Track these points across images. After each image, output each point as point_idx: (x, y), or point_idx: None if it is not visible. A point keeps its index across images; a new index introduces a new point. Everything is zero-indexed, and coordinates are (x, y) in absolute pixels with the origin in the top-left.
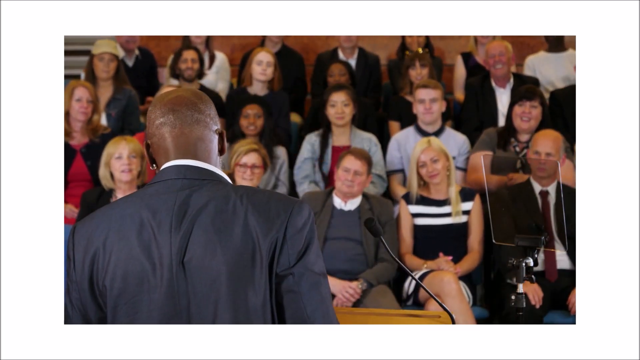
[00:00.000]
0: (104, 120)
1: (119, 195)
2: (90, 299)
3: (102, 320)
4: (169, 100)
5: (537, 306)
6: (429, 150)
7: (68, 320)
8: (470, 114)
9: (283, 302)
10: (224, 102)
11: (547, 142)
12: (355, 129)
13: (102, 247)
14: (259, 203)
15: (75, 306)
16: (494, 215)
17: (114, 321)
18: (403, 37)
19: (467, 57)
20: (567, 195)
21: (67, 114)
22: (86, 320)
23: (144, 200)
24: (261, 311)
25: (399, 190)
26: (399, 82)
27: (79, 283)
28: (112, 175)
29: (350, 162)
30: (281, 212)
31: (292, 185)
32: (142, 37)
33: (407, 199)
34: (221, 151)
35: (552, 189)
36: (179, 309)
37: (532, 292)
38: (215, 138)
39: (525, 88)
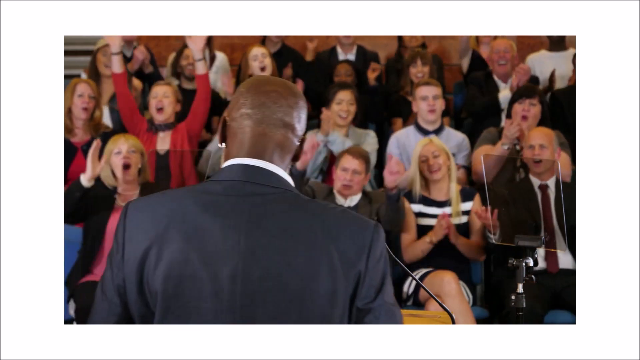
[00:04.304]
0: (107, 116)
1: (123, 193)
2: (137, 294)
3: (144, 317)
4: (263, 92)
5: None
6: (431, 146)
7: (95, 314)
8: (473, 101)
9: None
10: (224, 102)
11: (540, 134)
12: (352, 127)
13: (157, 243)
14: (338, 231)
15: (108, 297)
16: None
17: (162, 323)
18: (400, 38)
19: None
20: (566, 189)
21: (69, 111)
22: (121, 312)
23: (208, 199)
24: None
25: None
26: (398, 81)
27: (127, 275)
28: (113, 174)
29: (349, 162)
30: (362, 242)
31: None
32: (141, 37)
33: (409, 197)
34: (295, 157)
35: (551, 182)
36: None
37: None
38: (296, 144)
39: (525, 86)
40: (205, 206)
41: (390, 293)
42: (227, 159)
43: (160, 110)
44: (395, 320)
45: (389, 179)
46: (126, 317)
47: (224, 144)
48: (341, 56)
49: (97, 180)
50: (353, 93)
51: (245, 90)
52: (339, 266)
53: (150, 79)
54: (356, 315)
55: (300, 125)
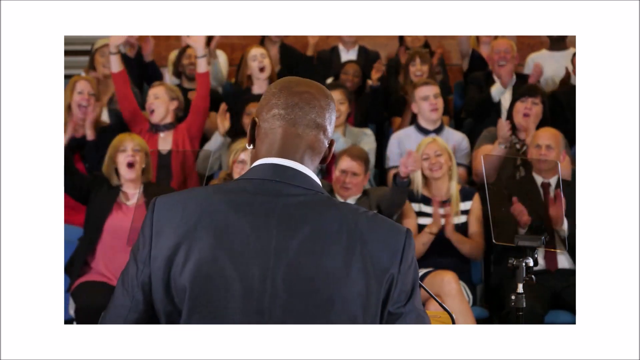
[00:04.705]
0: (106, 117)
1: (126, 190)
2: (163, 291)
3: (170, 315)
4: (297, 93)
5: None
6: (434, 145)
7: (113, 310)
8: (473, 99)
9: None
10: (222, 99)
11: (547, 134)
12: (349, 127)
13: (187, 241)
14: (370, 235)
15: (131, 294)
16: (494, 216)
17: (188, 322)
18: (401, 38)
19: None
20: (566, 188)
21: (69, 108)
22: (143, 310)
23: (239, 198)
24: None
25: None
26: (398, 81)
27: (153, 271)
28: (116, 172)
29: (347, 164)
30: (394, 246)
31: None
32: (141, 37)
33: (411, 196)
34: (324, 160)
35: (553, 181)
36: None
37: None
38: (326, 146)
39: (527, 85)
40: (235, 205)
41: (420, 300)
42: (254, 160)
43: (152, 112)
44: (424, 323)
45: (403, 171)
46: (147, 317)
47: (251, 146)
48: (343, 53)
49: (100, 175)
50: (343, 93)
51: (278, 90)
52: (371, 270)
53: (149, 74)
54: (387, 319)
55: (331, 127)
